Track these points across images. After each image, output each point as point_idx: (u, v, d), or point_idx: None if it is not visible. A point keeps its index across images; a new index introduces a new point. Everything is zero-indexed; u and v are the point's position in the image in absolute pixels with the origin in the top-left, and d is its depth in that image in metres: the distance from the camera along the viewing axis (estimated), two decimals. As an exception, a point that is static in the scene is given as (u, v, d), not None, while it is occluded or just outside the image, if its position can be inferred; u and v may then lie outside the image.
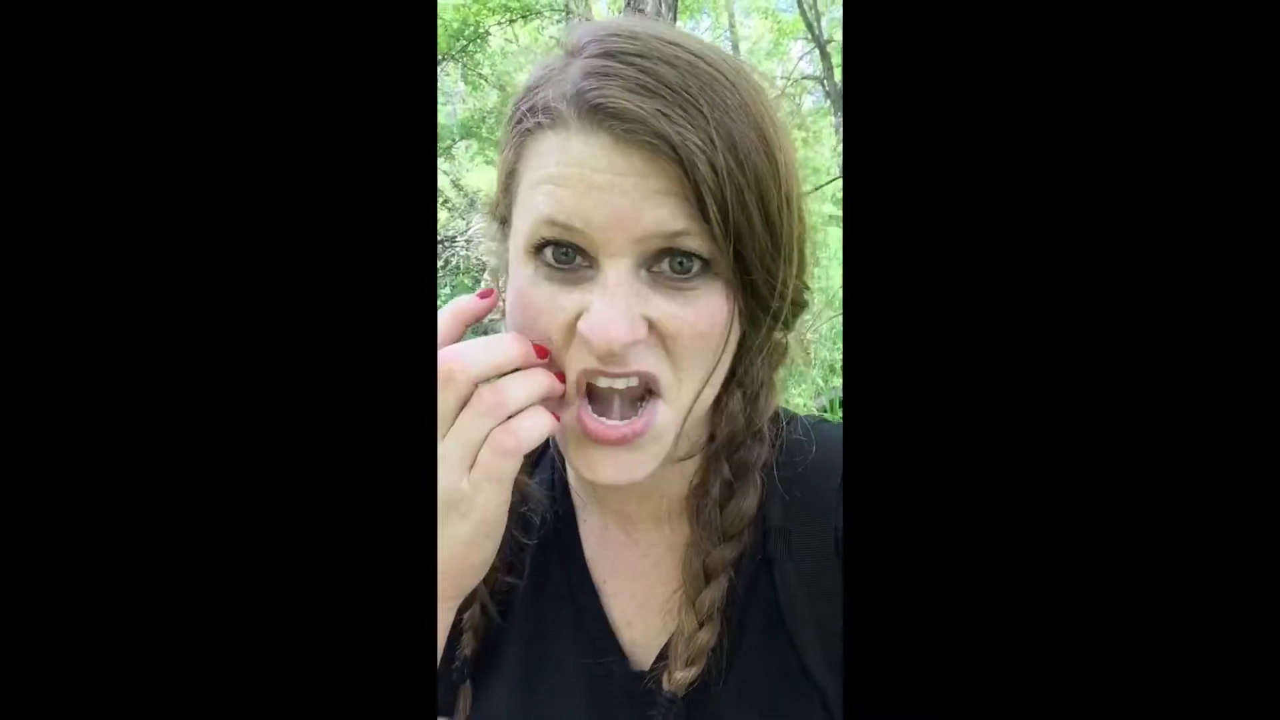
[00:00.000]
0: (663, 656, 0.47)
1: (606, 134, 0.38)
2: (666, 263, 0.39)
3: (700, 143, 0.37)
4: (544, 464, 0.54)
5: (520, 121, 0.42)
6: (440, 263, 4.51)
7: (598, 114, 0.38)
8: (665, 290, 0.40)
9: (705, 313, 0.40)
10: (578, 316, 0.40)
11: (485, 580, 0.48)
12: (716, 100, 0.39)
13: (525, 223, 0.41)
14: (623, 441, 0.41)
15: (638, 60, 0.39)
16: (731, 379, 0.44)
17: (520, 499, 0.49)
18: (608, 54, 0.40)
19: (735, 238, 0.39)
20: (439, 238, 4.66)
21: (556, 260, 0.40)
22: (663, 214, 0.38)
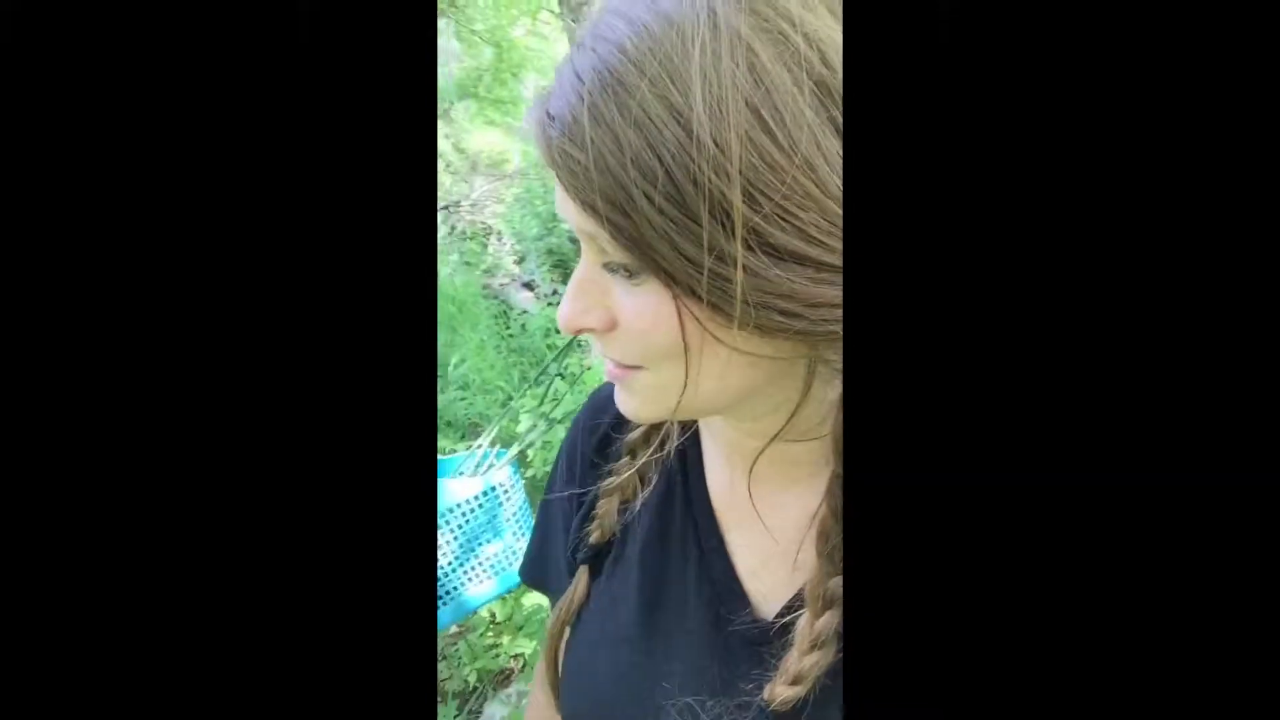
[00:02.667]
0: (789, 608, 0.46)
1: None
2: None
3: (570, 137, 0.36)
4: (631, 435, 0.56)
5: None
6: (446, 229, 4.46)
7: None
8: (622, 283, 0.40)
9: (648, 311, 0.39)
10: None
11: (618, 501, 0.53)
12: (619, 90, 0.36)
13: None
14: (618, 377, 0.43)
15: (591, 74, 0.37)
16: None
17: (649, 442, 0.53)
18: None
19: (651, 237, 0.35)
20: (444, 204, 4.60)
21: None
22: (572, 213, 0.38)
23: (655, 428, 0.55)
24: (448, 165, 4.94)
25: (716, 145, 0.33)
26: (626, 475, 0.54)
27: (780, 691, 0.42)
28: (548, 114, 0.36)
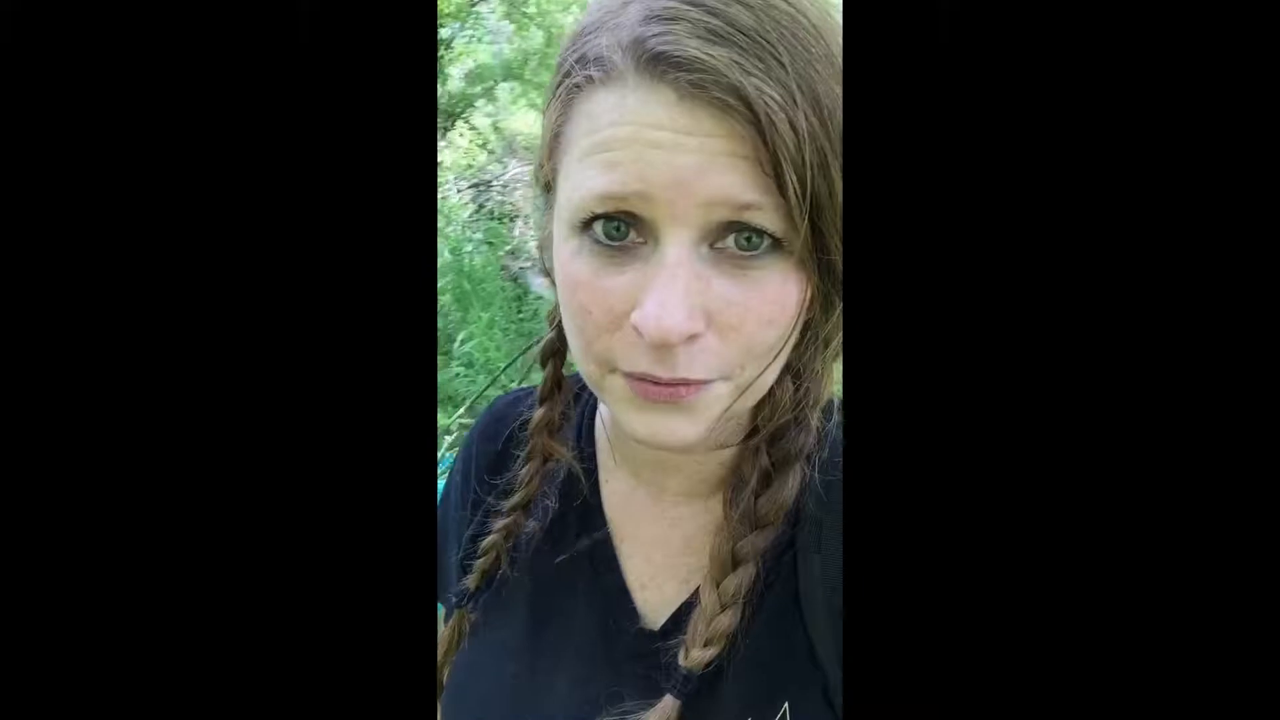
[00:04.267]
0: (675, 621, 0.46)
1: (669, 88, 0.33)
2: (732, 238, 0.35)
3: (780, 99, 0.32)
4: (572, 421, 0.53)
5: (568, 75, 0.36)
6: (475, 206, 4.49)
7: (660, 64, 0.33)
8: (729, 271, 0.35)
9: (774, 298, 0.36)
10: (630, 305, 0.35)
11: (506, 529, 0.49)
12: (799, 48, 0.33)
13: (573, 196, 0.36)
14: (673, 398, 0.37)
15: (709, 1, 0.33)
16: (784, 363, 0.40)
17: (545, 456, 0.50)
18: None
19: (814, 212, 0.34)
20: (474, 181, 4.63)
21: (607, 236, 0.35)
22: (733, 180, 0.33)
23: (535, 450, 0.51)
24: (485, 143, 4.96)
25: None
26: (518, 504, 0.51)
27: (695, 655, 0.42)
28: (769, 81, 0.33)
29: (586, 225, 0.36)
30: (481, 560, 0.50)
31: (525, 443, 0.51)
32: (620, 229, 0.35)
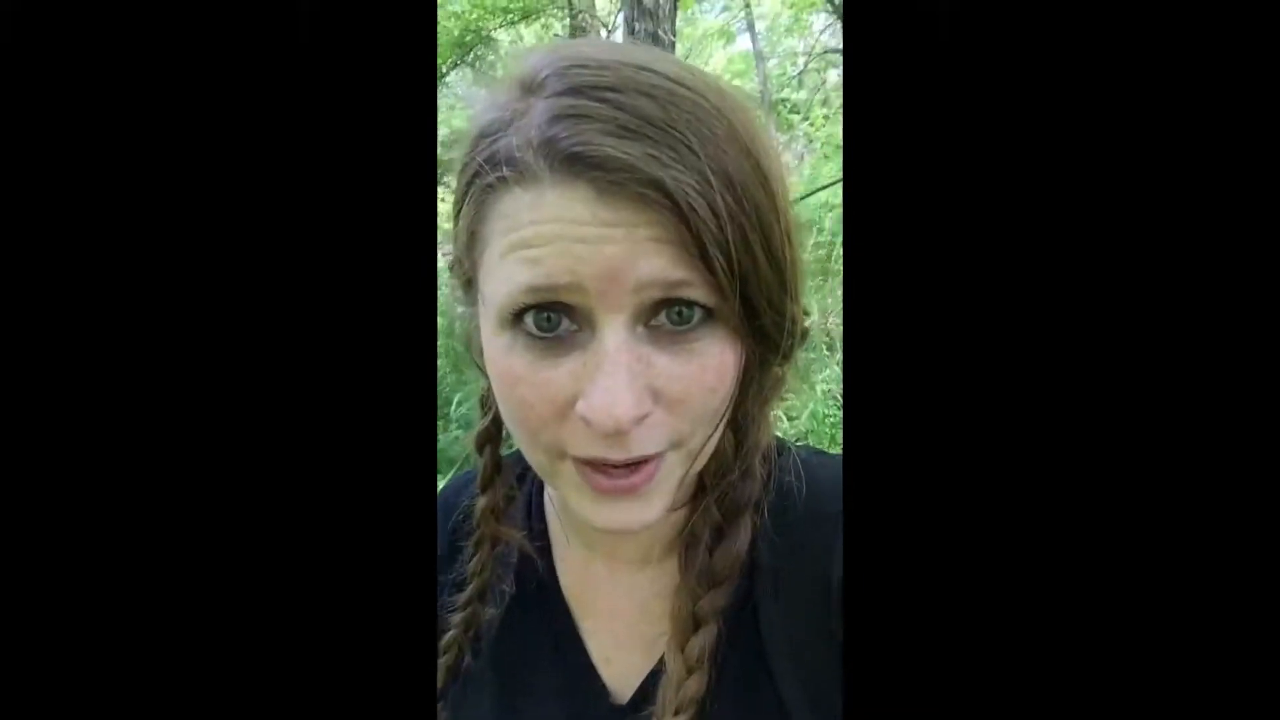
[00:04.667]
0: (643, 692, 0.46)
1: (588, 186, 0.33)
2: (664, 315, 0.35)
3: (696, 184, 0.33)
4: (520, 499, 0.52)
5: (478, 175, 0.36)
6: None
7: (576, 164, 0.33)
8: (667, 346, 0.36)
9: (712, 366, 0.36)
10: (572, 395, 0.35)
11: (465, 622, 0.49)
12: (705, 133, 0.34)
13: (499, 292, 0.36)
14: (630, 491, 0.37)
15: (612, 95, 0.34)
16: (727, 420, 0.40)
17: (494, 542, 0.49)
18: (575, 90, 0.34)
19: (741, 282, 0.35)
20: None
21: (539, 327, 0.35)
22: (661, 263, 0.34)
23: (483, 539, 0.50)
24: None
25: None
26: (473, 595, 0.50)
27: None
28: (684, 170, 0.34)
29: (517, 318, 0.36)
30: (445, 658, 0.49)
31: (471, 533, 0.51)
32: (551, 319, 0.35)
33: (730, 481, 0.43)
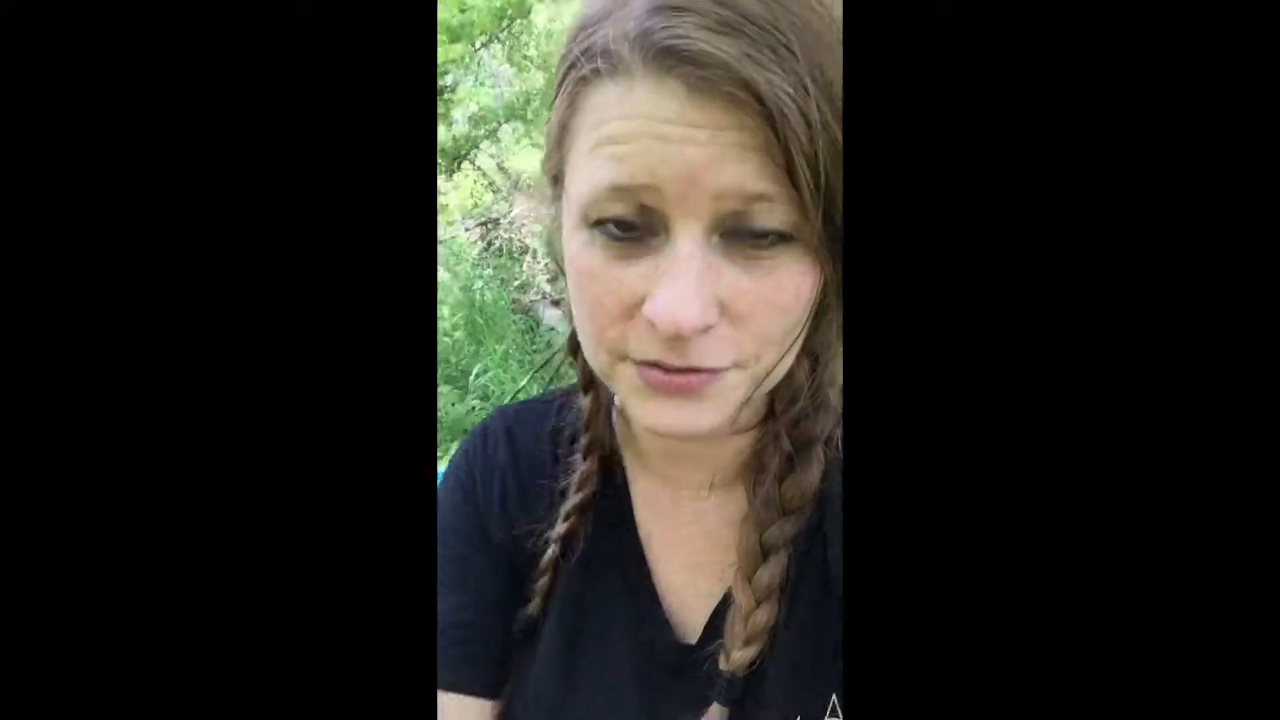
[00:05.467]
0: (710, 629, 0.44)
1: (678, 82, 0.32)
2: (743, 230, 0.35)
3: (791, 91, 0.32)
4: (593, 429, 0.50)
5: (574, 67, 0.36)
6: (483, 244, 4.55)
7: (668, 58, 0.32)
8: (740, 261, 0.35)
9: (788, 286, 0.35)
10: (641, 297, 0.35)
11: (562, 539, 0.47)
12: (810, 35, 0.33)
13: (583, 189, 0.35)
14: (685, 389, 0.36)
15: None
16: (800, 345, 0.39)
17: (601, 445, 0.47)
18: None
19: (826, 200, 0.33)
20: (483, 219, 4.69)
21: (618, 228, 0.35)
22: (744, 172, 0.33)
23: (595, 441, 0.49)
24: (490, 183, 5.04)
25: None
26: (575, 507, 0.47)
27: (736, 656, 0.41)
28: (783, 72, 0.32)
29: (598, 222, 0.36)
30: (542, 581, 0.47)
31: (570, 442, 0.49)
32: (631, 222, 0.35)
33: (802, 410, 0.42)
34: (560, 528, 0.47)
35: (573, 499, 0.47)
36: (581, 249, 0.37)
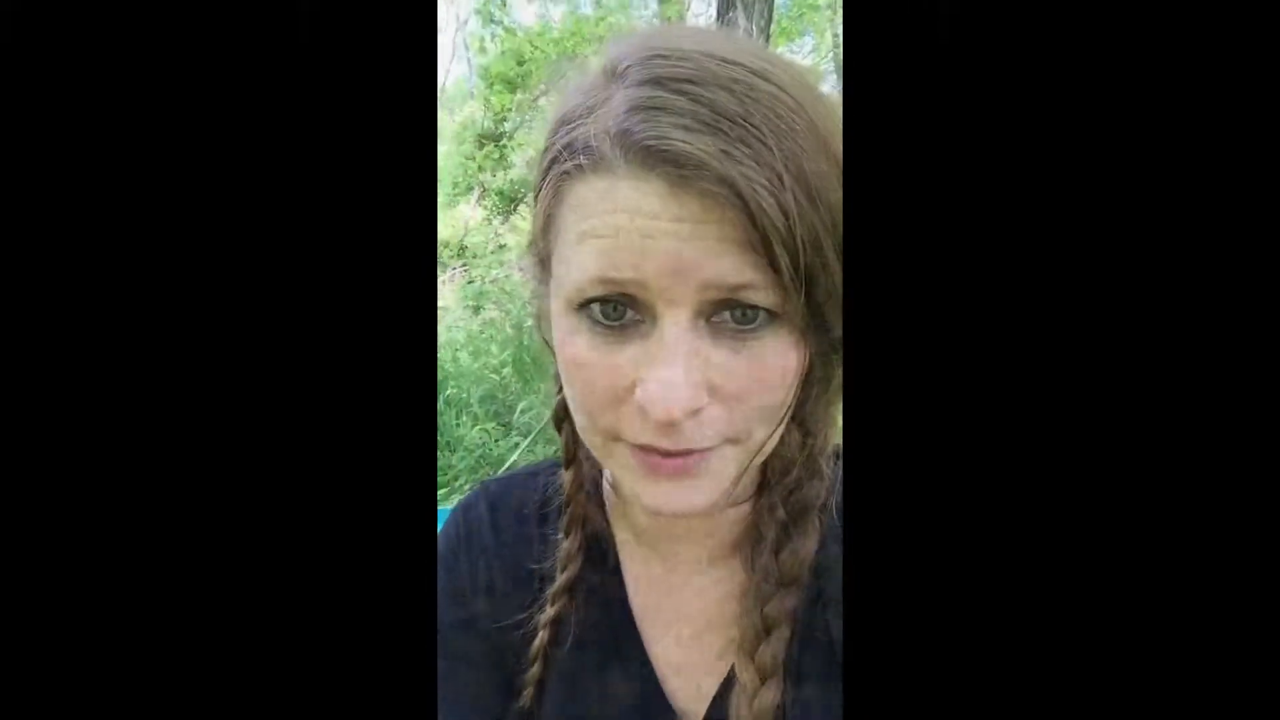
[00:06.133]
0: (715, 709, 0.44)
1: (660, 179, 0.33)
2: (728, 313, 0.35)
3: (767, 183, 0.33)
4: (574, 505, 0.49)
5: (556, 161, 0.37)
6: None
7: (649, 157, 0.33)
8: (727, 343, 0.35)
9: (775, 364, 0.36)
10: (632, 381, 0.36)
11: (551, 624, 0.46)
12: (783, 128, 0.34)
13: (570, 277, 0.36)
14: (681, 471, 0.37)
15: (691, 88, 0.34)
16: (790, 416, 0.39)
17: (584, 521, 0.47)
18: (655, 81, 0.34)
19: (808, 283, 0.34)
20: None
21: (605, 316, 0.36)
22: (725, 265, 0.33)
23: (576, 518, 0.48)
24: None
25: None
26: (561, 588, 0.46)
27: None
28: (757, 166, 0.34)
29: (584, 305, 0.36)
30: (533, 670, 0.47)
31: (552, 519, 0.49)
32: (617, 309, 0.36)
33: (796, 480, 0.42)
34: (549, 611, 0.47)
35: (559, 580, 0.47)
36: (570, 334, 0.37)
